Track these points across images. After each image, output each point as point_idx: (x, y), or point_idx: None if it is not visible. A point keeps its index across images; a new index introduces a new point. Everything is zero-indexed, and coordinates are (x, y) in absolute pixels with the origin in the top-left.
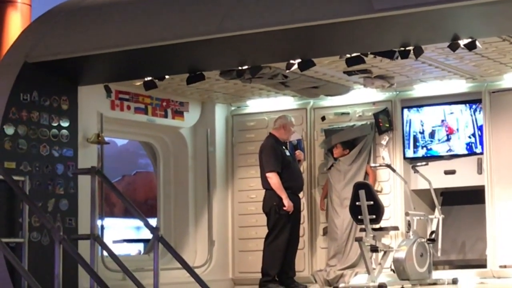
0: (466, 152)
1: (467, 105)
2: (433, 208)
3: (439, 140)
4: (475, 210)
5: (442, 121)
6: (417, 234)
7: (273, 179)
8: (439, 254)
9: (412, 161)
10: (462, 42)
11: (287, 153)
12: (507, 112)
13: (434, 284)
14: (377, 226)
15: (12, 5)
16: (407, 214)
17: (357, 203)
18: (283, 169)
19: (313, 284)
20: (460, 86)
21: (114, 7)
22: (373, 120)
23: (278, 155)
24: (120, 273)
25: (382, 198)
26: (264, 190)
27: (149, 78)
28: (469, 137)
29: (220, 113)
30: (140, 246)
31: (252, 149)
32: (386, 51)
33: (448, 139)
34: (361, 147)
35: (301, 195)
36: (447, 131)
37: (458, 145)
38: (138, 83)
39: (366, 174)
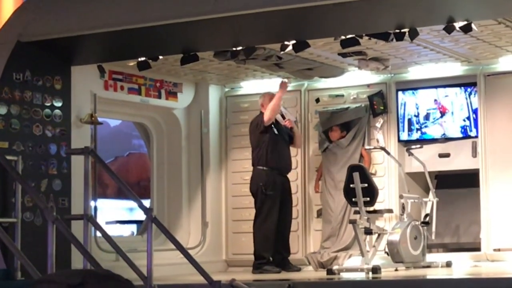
0: (460, 135)
1: (462, 88)
2: (427, 191)
3: (433, 121)
4: (470, 194)
5: (435, 100)
6: (411, 217)
7: (269, 110)
8: (433, 237)
9: (407, 144)
10: (458, 24)
11: (275, 132)
12: (502, 96)
13: (428, 267)
14: (371, 208)
15: None
16: (401, 196)
17: (351, 185)
18: (270, 146)
19: (306, 266)
20: (455, 69)
21: None
22: (367, 102)
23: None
24: (113, 254)
25: (376, 180)
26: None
27: (143, 59)
28: (464, 120)
29: (214, 94)
30: (133, 228)
31: (245, 131)
32: (381, 33)
33: (442, 117)
34: (356, 130)
35: (295, 177)
36: (440, 109)
37: (453, 128)
38: (132, 63)
39: (361, 156)
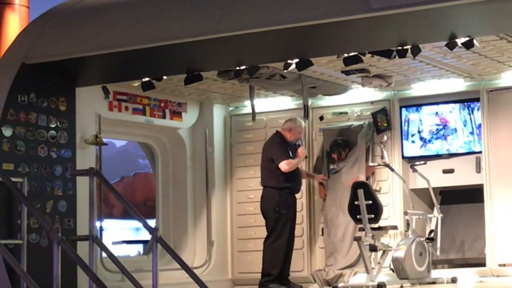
0: (464, 151)
1: (465, 104)
2: (432, 207)
3: (437, 137)
4: (474, 209)
5: (439, 116)
6: (416, 233)
7: (287, 165)
8: (438, 253)
9: (411, 160)
10: (460, 40)
11: (290, 154)
12: (505, 111)
13: (433, 283)
14: (376, 225)
15: (10, 6)
16: (406, 213)
17: (355, 202)
18: None
19: (312, 284)
20: (458, 85)
21: (112, 8)
22: (371, 119)
23: (284, 149)
24: (119, 274)
25: (381, 197)
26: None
27: (147, 79)
28: (468, 136)
29: (218, 113)
30: (140, 247)
31: (250, 149)
32: (384, 50)
33: (445, 135)
34: (358, 148)
35: (299, 195)
36: (443, 125)
37: (457, 144)
38: (136, 84)
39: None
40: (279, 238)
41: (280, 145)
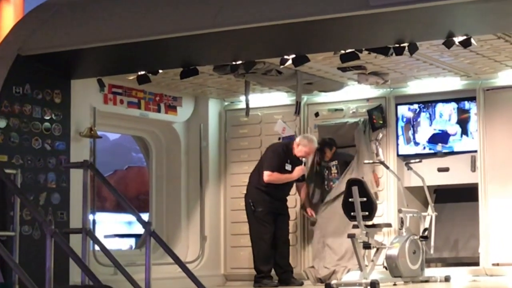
0: (460, 149)
1: (461, 102)
2: (426, 205)
3: (432, 136)
4: (468, 208)
5: (434, 115)
6: (410, 231)
7: (268, 176)
8: (431, 251)
9: (406, 158)
10: (457, 39)
11: (288, 168)
12: (501, 110)
13: (427, 281)
14: (370, 223)
15: None
16: (400, 211)
17: (350, 199)
18: None
19: (305, 281)
20: (454, 83)
21: (108, 1)
22: (367, 116)
23: (281, 160)
24: (112, 268)
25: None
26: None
27: (142, 72)
28: (463, 134)
29: (213, 108)
30: (132, 241)
31: (245, 145)
32: (381, 48)
33: (441, 131)
34: (358, 146)
35: (293, 191)
36: (439, 123)
37: (452, 142)
38: (132, 77)
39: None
40: (259, 236)
41: (278, 155)
